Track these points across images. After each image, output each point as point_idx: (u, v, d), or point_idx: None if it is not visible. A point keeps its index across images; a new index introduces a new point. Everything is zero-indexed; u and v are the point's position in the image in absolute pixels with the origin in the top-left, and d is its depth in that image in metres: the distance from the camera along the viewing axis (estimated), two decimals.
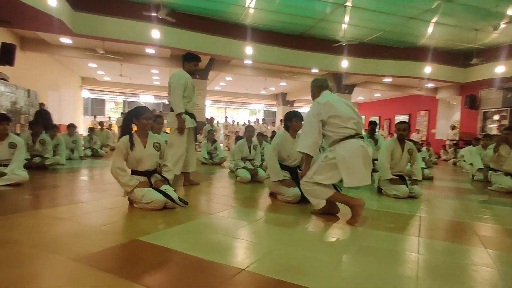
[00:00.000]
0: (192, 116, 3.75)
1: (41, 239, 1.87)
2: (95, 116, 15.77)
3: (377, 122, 18.55)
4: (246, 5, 8.29)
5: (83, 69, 14.94)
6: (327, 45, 10.36)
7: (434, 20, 8.59)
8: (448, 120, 13.84)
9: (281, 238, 2.12)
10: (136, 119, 2.76)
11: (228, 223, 2.42)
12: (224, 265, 1.61)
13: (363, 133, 2.70)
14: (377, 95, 16.91)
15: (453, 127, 12.99)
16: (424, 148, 9.11)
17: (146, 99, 22.20)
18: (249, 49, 9.59)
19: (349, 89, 13.07)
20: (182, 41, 9.02)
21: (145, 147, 2.79)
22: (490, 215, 3.16)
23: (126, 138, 2.72)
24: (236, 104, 23.40)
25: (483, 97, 12.23)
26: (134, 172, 2.77)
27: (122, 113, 13.78)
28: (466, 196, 4.29)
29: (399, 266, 1.73)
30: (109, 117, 15.50)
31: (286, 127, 3.40)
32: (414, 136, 14.12)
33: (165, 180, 2.83)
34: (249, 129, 4.74)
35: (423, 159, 6.99)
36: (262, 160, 4.87)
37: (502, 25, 7.98)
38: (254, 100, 20.90)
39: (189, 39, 9.05)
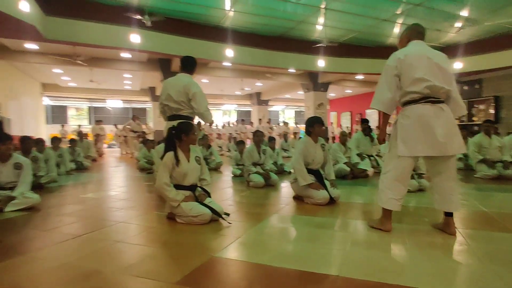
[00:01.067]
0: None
1: (122, 265, 1.81)
2: (63, 125, 14.81)
3: (350, 116, 19.34)
4: (227, 9, 8.28)
5: (45, 75, 13.96)
6: (305, 45, 10.64)
7: (401, 21, 9.18)
8: None
9: (345, 240, 2.21)
10: (186, 135, 2.77)
11: (287, 230, 2.49)
12: (317, 274, 1.68)
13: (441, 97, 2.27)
14: (349, 91, 17.59)
15: None
16: None
17: (113, 104, 21.27)
18: (229, 52, 9.57)
19: (324, 86, 13.51)
20: (161, 44, 8.79)
21: (189, 161, 2.79)
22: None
23: (171, 154, 2.71)
24: (209, 105, 23.18)
25: None
26: (179, 187, 2.74)
27: (97, 120, 13.02)
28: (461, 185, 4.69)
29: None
30: (79, 125, 14.58)
31: (308, 133, 3.52)
32: (387, 129, 14.92)
33: (207, 194, 2.85)
34: (258, 133, 4.79)
35: None
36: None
37: (459, 26, 8.70)
38: (228, 100, 20.80)
39: (168, 42, 8.83)
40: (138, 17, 7.36)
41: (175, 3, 7.97)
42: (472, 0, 7.66)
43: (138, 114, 13.85)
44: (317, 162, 3.47)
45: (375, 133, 6.38)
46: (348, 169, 5.06)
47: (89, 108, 22.42)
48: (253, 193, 4.13)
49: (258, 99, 18.51)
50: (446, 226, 2.33)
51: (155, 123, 12.84)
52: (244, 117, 25.26)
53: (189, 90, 3.37)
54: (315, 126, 3.45)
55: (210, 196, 2.91)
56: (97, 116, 20.96)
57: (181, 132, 2.77)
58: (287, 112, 26.95)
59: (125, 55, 9.79)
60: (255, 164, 4.70)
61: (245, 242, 2.20)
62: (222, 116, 25.49)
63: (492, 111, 11.72)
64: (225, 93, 18.41)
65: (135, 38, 8.01)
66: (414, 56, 2.26)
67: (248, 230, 2.45)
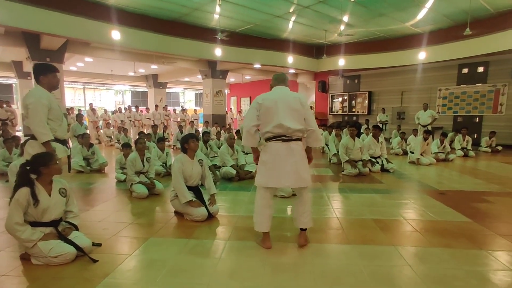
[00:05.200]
0: (63, 143, 3.09)
1: None
2: None
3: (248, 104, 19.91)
4: None
5: None
6: (202, 33, 10.36)
7: (293, 19, 9.78)
8: (307, 101, 16.23)
9: (212, 271, 2.30)
10: (45, 167, 2.41)
11: (157, 263, 2.42)
12: None
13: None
14: (248, 77, 18.07)
15: (310, 108, 15.35)
16: None
17: None
18: (116, 34, 8.60)
19: (223, 74, 13.53)
20: (28, 20, 7.29)
21: (50, 195, 2.47)
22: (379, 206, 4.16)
23: (26, 191, 2.33)
24: (97, 84, 20.57)
25: (330, 83, 14.94)
26: (37, 224, 2.40)
27: None
28: (328, 184, 5.40)
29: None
30: None
31: (184, 150, 3.51)
32: None
33: (74, 227, 2.61)
34: (140, 141, 4.48)
35: None
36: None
37: (341, 29, 9.80)
38: (120, 81, 18.87)
39: (38, 17, 7.39)
40: None
41: None
42: (350, 9, 8.64)
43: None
44: (194, 178, 3.51)
45: None
46: (234, 172, 5.27)
47: None
48: (134, 207, 3.93)
49: (155, 81, 17.36)
50: (298, 238, 2.78)
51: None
52: (141, 98, 23.56)
53: (24, 102, 2.84)
54: (190, 142, 3.45)
55: (77, 229, 2.66)
56: None
57: (39, 166, 2.41)
58: (187, 94, 26.16)
59: None
60: (138, 173, 4.44)
61: (110, 284, 2.10)
62: (115, 95, 23.10)
63: (366, 103, 13.74)
64: (115, 73, 16.63)
65: None
66: (271, 100, 2.59)
67: (118, 267, 2.34)
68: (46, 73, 2.96)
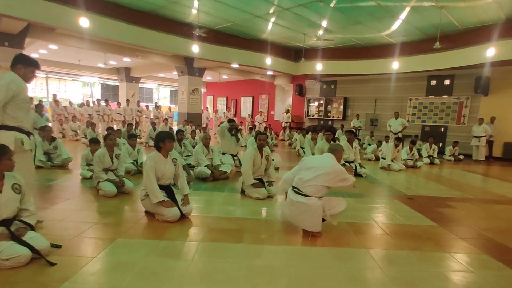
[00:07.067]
0: (28, 135, 2.90)
1: None
2: None
3: (224, 103, 19.74)
4: None
5: None
6: (179, 27, 10.11)
7: (273, 20, 9.79)
8: (284, 104, 16.35)
9: (184, 273, 2.18)
10: None
11: (125, 265, 2.26)
12: None
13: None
14: (225, 77, 17.90)
15: (287, 111, 15.45)
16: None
17: None
18: (84, 21, 8.13)
19: (200, 72, 13.28)
20: None
21: (1, 191, 2.26)
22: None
23: None
24: (63, 74, 19.34)
25: (308, 87, 15.14)
26: None
27: None
28: None
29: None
30: None
31: (158, 148, 3.35)
32: (258, 118, 16.00)
33: (30, 226, 2.39)
34: (111, 137, 4.24)
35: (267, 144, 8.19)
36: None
37: (321, 34, 9.95)
38: (89, 73, 17.85)
39: None
40: None
41: None
42: (330, 14, 8.77)
43: None
44: (167, 177, 3.37)
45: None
46: (209, 172, 5.14)
47: None
48: (101, 206, 3.71)
49: (128, 75, 16.68)
50: None
51: None
52: (112, 92, 22.63)
53: None
54: (166, 142, 3.30)
55: (33, 229, 2.44)
56: None
57: None
58: (162, 90, 25.50)
59: None
60: (106, 170, 4.20)
61: None
62: (83, 87, 22.00)
63: (341, 109, 14.01)
64: (83, 63, 15.77)
65: None
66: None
67: (80, 270, 2.16)
68: (27, 65, 2.85)
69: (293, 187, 3.07)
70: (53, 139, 5.88)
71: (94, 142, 5.05)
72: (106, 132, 5.13)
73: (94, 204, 3.80)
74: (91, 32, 8.51)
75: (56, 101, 11.98)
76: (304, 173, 3.00)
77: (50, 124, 8.01)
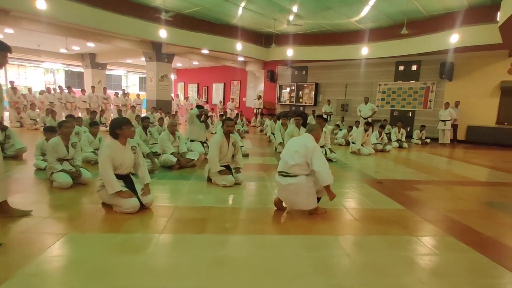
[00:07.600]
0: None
1: None
2: None
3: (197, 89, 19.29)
4: None
5: None
6: (145, 11, 9.58)
7: (243, 5, 9.49)
8: (255, 90, 16.17)
9: (143, 269, 2.02)
10: None
11: (76, 262, 2.06)
12: None
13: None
14: (196, 63, 17.38)
15: (258, 97, 15.30)
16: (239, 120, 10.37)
17: None
18: (41, 2, 7.50)
19: (169, 58, 12.78)
20: None
21: None
22: None
23: None
24: (22, 60, 18.06)
25: (279, 73, 15.01)
26: None
27: None
28: (273, 173, 5.33)
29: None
30: None
31: (115, 135, 3.08)
32: (229, 104, 15.75)
33: None
34: (66, 125, 3.89)
35: (238, 131, 8.05)
36: None
37: (291, 20, 9.80)
38: (50, 58, 16.76)
39: None
40: None
41: None
42: (299, 0, 8.60)
43: None
44: (126, 166, 3.13)
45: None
46: (174, 159, 4.92)
47: None
48: (54, 198, 3.42)
49: (93, 61, 15.77)
50: None
51: None
52: (77, 79, 21.43)
53: None
54: (123, 127, 3.05)
55: None
56: None
57: None
58: (131, 77, 24.46)
59: None
60: (61, 160, 3.88)
61: None
62: (45, 74, 20.65)
63: (313, 95, 14.05)
64: (43, 49, 14.71)
65: None
66: None
67: (19, 270, 1.93)
68: None
69: (280, 171, 3.11)
70: (5, 127, 5.40)
71: (49, 130, 4.67)
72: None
73: (47, 196, 3.51)
74: (50, 14, 7.90)
75: (13, 89, 11.10)
76: (287, 155, 3.06)
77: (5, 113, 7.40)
